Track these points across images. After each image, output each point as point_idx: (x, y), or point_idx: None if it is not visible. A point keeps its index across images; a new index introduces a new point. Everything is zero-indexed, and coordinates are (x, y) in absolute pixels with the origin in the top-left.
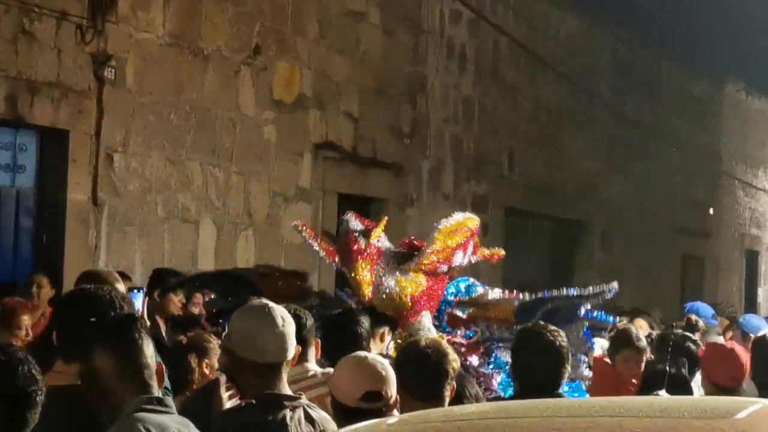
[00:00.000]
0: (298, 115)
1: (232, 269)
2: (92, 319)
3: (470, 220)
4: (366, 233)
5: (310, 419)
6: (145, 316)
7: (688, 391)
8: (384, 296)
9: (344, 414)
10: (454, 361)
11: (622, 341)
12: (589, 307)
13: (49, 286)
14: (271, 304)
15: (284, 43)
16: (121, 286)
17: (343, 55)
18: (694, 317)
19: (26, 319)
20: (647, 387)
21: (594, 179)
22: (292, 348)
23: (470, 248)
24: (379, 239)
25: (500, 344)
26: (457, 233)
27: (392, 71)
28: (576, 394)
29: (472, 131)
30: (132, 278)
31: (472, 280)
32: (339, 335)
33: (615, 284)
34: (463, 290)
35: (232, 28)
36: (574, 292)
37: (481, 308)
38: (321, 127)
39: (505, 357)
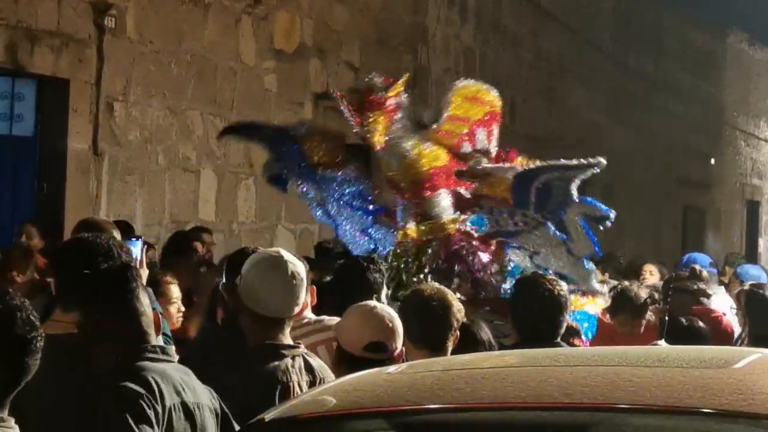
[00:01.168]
0: (298, 65)
1: (286, 127)
2: (86, 271)
3: (490, 96)
4: (386, 88)
5: (309, 367)
6: (144, 265)
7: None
8: (399, 163)
9: (347, 362)
10: (459, 312)
11: (620, 304)
12: (576, 186)
13: (38, 237)
14: (286, 257)
15: None
16: (118, 234)
17: (343, 4)
18: (698, 267)
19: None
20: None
21: (595, 130)
22: (298, 306)
23: (495, 131)
24: (399, 96)
25: (510, 242)
26: (477, 103)
27: (393, 21)
28: (585, 324)
29: None
30: (134, 227)
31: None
32: (351, 282)
33: (602, 159)
34: None
35: None
36: (562, 161)
37: (480, 181)
38: (321, 76)
39: (520, 260)
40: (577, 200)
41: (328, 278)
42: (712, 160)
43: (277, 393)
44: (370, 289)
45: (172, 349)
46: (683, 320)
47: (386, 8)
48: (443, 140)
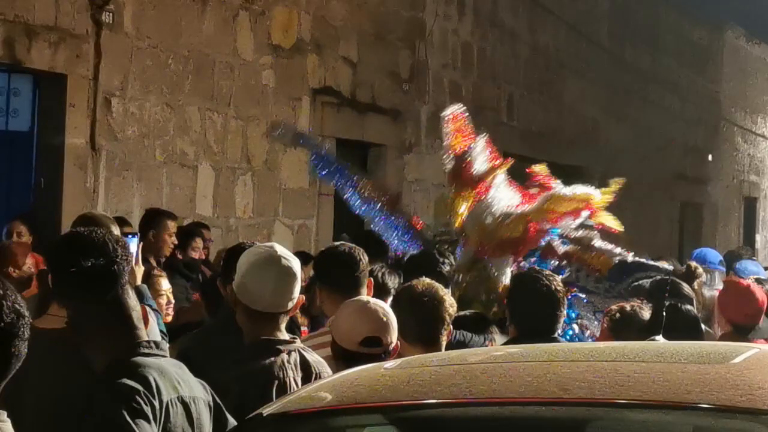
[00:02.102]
0: (296, 60)
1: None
2: (72, 269)
3: (592, 198)
4: (486, 170)
5: (305, 362)
6: (140, 261)
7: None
8: (474, 222)
9: (343, 357)
10: (451, 307)
11: (622, 329)
12: None
13: (28, 234)
14: (280, 251)
15: None
16: (116, 229)
17: (341, 0)
18: (693, 264)
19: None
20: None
21: (592, 125)
22: (290, 301)
23: (583, 216)
24: (495, 181)
25: (581, 294)
26: (572, 202)
27: (391, 16)
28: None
29: (471, 77)
30: (131, 223)
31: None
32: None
33: None
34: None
35: None
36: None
37: (582, 249)
38: (319, 72)
39: (582, 310)
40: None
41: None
42: (710, 156)
43: (274, 389)
44: (444, 280)
45: (166, 344)
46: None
47: (384, 3)
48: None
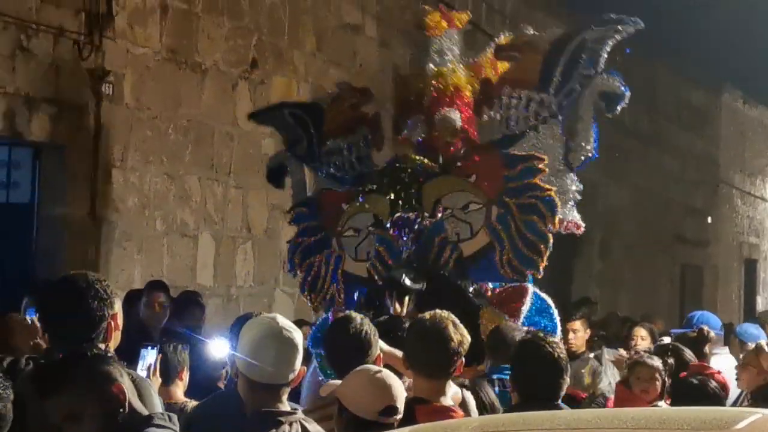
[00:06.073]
0: None
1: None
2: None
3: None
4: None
5: None
6: (158, 374)
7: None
8: (434, 65)
9: (357, 427)
10: (460, 345)
11: (635, 364)
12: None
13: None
14: (281, 323)
15: (281, 56)
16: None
17: (339, 67)
18: (706, 328)
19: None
20: None
21: (592, 188)
22: (292, 372)
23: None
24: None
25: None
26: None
27: (389, 83)
28: None
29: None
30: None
31: None
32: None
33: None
34: None
35: (228, 42)
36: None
37: (515, 60)
38: None
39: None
40: (602, 68)
41: None
42: (709, 218)
43: None
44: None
45: (176, 418)
46: (694, 380)
47: (382, 70)
48: (475, 72)
